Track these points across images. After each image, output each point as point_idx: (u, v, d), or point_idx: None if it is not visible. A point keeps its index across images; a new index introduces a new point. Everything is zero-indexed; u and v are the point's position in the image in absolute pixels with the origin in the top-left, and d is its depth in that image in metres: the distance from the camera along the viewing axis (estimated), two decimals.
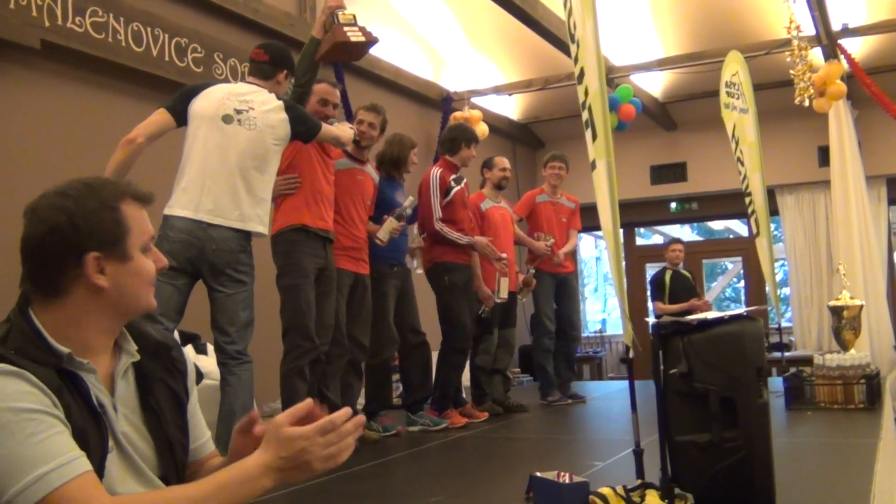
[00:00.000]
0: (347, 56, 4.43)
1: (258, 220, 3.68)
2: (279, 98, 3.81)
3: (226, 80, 5.87)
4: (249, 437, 1.63)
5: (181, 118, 3.68)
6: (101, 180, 1.57)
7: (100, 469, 1.42)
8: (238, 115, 3.66)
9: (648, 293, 9.14)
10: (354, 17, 4.03)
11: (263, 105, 3.73)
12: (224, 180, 3.59)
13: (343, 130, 4.21)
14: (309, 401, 1.52)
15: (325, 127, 4.01)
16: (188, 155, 3.65)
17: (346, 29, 3.98)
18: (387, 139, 5.25)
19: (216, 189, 3.57)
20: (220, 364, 3.63)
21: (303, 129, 3.86)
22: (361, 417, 1.51)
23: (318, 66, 4.15)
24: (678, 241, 8.82)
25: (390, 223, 4.76)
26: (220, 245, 3.55)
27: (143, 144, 3.54)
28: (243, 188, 3.62)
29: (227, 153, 3.61)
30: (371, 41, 4.08)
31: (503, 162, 6.16)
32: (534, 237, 6.30)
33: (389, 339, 4.98)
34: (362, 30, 4.03)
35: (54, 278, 1.48)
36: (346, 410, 1.48)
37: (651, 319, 2.80)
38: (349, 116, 6.12)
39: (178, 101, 3.70)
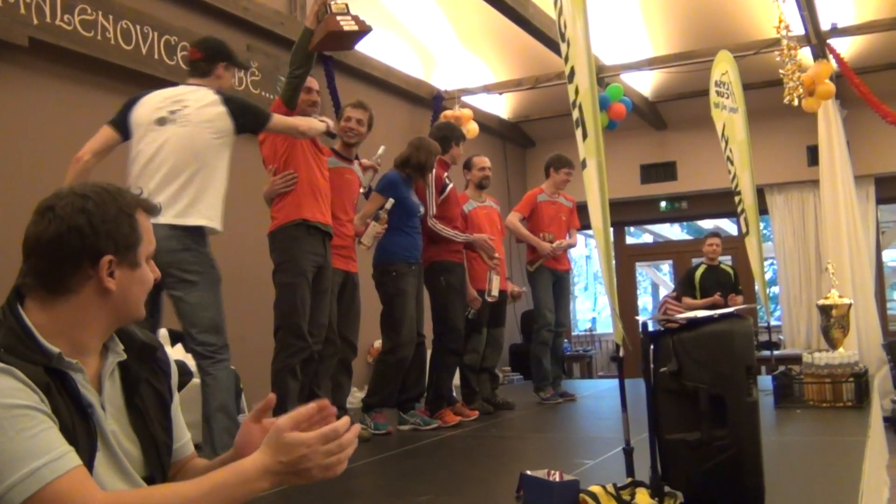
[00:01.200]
0: (340, 45, 4.42)
1: (200, 214, 3.57)
2: (219, 92, 3.72)
3: None
4: (259, 428, 1.64)
5: (124, 131, 3.66)
6: (116, 187, 1.60)
7: (89, 467, 1.42)
8: (172, 116, 3.61)
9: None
10: (347, 6, 4.03)
11: (199, 101, 3.66)
12: (160, 179, 3.53)
13: (307, 121, 4.12)
14: (312, 405, 1.52)
15: (277, 117, 3.90)
16: (130, 163, 3.64)
17: (338, 18, 3.97)
18: (412, 143, 5.19)
19: (152, 189, 3.48)
20: (197, 366, 3.61)
21: (246, 119, 3.74)
22: (357, 427, 1.51)
23: (312, 56, 4.14)
24: (715, 234, 8.51)
25: (373, 227, 4.75)
26: (157, 245, 3.46)
27: (91, 161, 3.53)
28: (181, 185, 3.54)
29: (162, 153, 3.57)
30: (364, 30, 4.07)
31: (482, 161, 6.15)
32: (539, 237, 6.31)
33: (409, 338, 4.94)
34: (355, 18, 4.03)
35: (65, 277, 1.50)
36: (346, 420, 1.49)
37: (640, 318, 2.80)
38: (339, 113, 6.11)
39: (120, 114, 3.70)
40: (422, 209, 5.18)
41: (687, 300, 8.02)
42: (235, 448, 1.68)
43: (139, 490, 1.50)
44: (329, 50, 5.05)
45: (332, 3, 3.99)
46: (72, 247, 1.49)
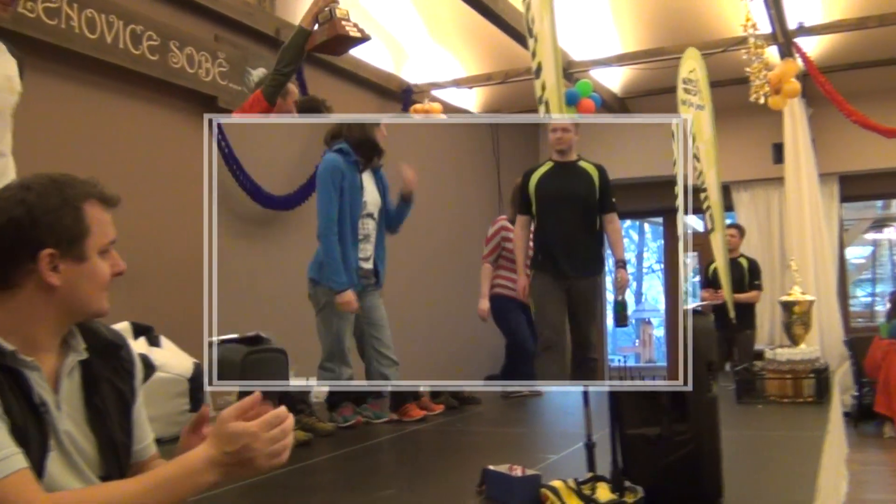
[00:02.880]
0: (336, 50, 4.55)
1: None
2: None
3: (182, 70, 5.80)
4: (199, 437, 1.62)
5: None
6: (68, 177, 1.56)
7: (39, 468, 1.41)
8: None
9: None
10: (348, 13, 4.11)
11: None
12: None
13: None
14: (257, 394, 1.50)
15: None
16: None
17: (343, 23, 4.08)
18: None
19: None
20: None
21: None
22: (292, 417, 1.51)
23: (303, 55, 4.23)
24: (732, 226, 8.38)
25: None
26: None
27: None
28: None
29: None
30: (364, 38, 4.18)
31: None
32: None
33: None
34: (356, 26, 4.14)
35: (6, 271, 1.47)
36: (283, 409, 1.48)
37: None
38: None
39: None
40: None
41: (703, 294, 8.06)
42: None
43: (79, 490, 1.48)
44: (324, 53, 5.10)
45: (336, 8, 4.08)
46: (9, 239, 1.46)
